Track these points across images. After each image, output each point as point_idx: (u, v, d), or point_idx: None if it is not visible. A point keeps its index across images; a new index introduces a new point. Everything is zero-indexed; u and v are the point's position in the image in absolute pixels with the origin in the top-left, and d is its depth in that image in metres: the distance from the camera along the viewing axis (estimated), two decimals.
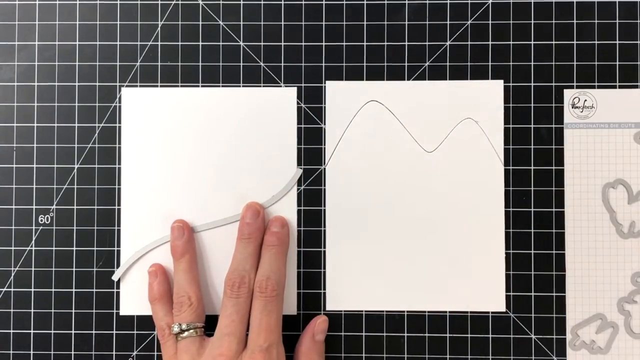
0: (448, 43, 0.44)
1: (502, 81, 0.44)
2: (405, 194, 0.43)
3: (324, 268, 0.44)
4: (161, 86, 0.44)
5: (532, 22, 0.44)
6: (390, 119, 0.43)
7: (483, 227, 0.43)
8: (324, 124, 0.44)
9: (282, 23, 0.44)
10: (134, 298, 0.44)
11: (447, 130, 0.44)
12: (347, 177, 0.44)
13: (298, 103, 0.44)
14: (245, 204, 0.43)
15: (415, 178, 0.43)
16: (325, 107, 0.44)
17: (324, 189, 0.44)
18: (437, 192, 0.43)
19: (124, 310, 0.44)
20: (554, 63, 0.44)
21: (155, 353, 0.44)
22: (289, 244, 0.43)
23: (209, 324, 0.42)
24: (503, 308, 0.43)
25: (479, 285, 0.43)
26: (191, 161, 0.44)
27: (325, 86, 0.44)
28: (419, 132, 0.43)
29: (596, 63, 0.44)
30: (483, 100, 0.44)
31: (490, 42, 0.44)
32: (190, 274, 0.42)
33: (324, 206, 0.44)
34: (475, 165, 0.43)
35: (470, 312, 0.43)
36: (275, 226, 0.42)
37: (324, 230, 0.44)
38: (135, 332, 0.44)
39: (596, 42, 0.44)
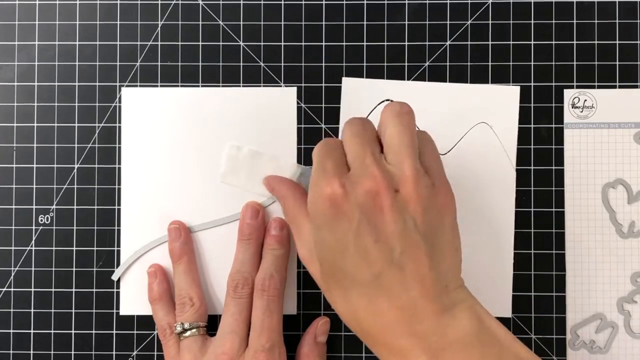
0: (448, 43, 0.44)
1: (518, 87, 0.44)
2: None
3: None
4: (161, 86, 0.44)
5: (532, 22, 0.44)
6: None
7: (493, 231, 0.43)
8: (323, 124, 0.44)
9: (282, 23, 0.44)
10: (134, 298, 0.44)
11: (460, 133, 0.43)
12: None
13: (298, 103, 0.44)
14: (244, 204, 0.43)
15: None
16: (324, 107, 0.44)
17: None
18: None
19: (124, 310, 0.44)
20: (554, 63, 0.44)
21: (155, 353, 0.44)
22: (290, 247, 0.43)
23: (210, 324, 0.42)
24: (509, 314, 0.43)
25: (485, 289, 0.43)
26: (191, 161, 0.44)
27: (324, 85, 0.44)
28: (433, 134, 0.42)
29: (596, 63, 0.44)
30: (499, 105, 0.43)
31: (490, 42, 0.44)
32: (189, 275, 0.42)
33: None
34: (487, 169, 0.43)
35: None
36: (275, 228, 0.42)
37: None
38: (135, 332, 0.44)
39: (596, 42, 0.44)
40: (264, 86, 0.44)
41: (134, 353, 0.44)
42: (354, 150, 0.35)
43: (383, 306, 0.33)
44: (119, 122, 0.44)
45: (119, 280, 0.44)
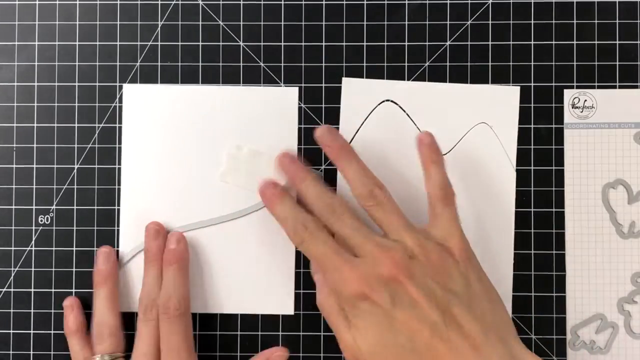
0: (448, 43, 0.44)
1: (518, 87, 0.44)
2: (412, 193, 0.43)
3: None
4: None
5: (532, 22, 0.44)
6: (402, 120, 0.43)
7: (493, 231, 0.43)
8: (323, 124, 0.44)
9: (282, 23, 0.44)
10: (133, 298, 0.44)
11: (460, 133, 0.43)
12: None
13: (299, 103, 0.44)
14: (145, 226, 0.43)
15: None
16: (324, 107, 0.44)
17: None
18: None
19: (124, 310, 0.44)
20: (554, 63, 0.44)
21: None
22: (188, 258, 0.43)
23: (210, 324, 0.42)
24: (509, 314, 0.43)
25: None
26: (191, 161, 0.44)
27: (324, 86, 0.44)
28: (433, 134, 0.41)
29: (596, 63, 0.44)
30: (499, 105, 0.43)
31: (490, 42, 0.44)
32: (112, 301, 0.42)
33: None
34: (487, 169, 0.43)
35: None
36: (172, 243, 0.42)
37: None
38: (135, 332, 0.44)
39: (596, 42, 0.44)
40: (264, 86, 0.44)
41: None
42: (354, 240, 0.38)
43: None
44: (119, 122, 0.44)
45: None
